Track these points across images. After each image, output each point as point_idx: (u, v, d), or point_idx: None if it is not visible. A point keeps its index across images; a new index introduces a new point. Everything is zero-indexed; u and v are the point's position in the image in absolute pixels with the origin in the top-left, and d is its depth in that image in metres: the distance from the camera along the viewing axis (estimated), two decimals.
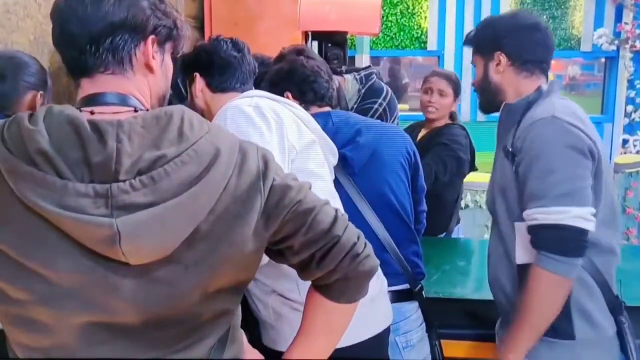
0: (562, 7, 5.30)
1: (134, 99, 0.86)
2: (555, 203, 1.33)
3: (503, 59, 1.54)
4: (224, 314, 0.93)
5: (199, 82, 1.59)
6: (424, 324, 1.75)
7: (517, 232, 1.46)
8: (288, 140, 1.35)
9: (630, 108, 5.42)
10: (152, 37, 0.87)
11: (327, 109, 1.73)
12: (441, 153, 2.48)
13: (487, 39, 1.57)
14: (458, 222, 2.83)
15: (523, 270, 1.43)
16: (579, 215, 1.32)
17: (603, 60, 5.60)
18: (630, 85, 5.33)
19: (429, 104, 2.63)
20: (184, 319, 0.87)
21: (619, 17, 5.34)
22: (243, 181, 0.85)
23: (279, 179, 0.89)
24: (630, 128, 5.22)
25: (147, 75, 0.88)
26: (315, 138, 1.46)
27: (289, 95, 1.68)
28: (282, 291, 1.39)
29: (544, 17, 5.26)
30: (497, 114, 1.61)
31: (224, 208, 0.83)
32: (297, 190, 0.91)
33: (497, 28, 1.57)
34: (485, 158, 3.02)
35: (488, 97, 1.61)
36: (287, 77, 1.71)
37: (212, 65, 1.58)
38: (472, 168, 2.66)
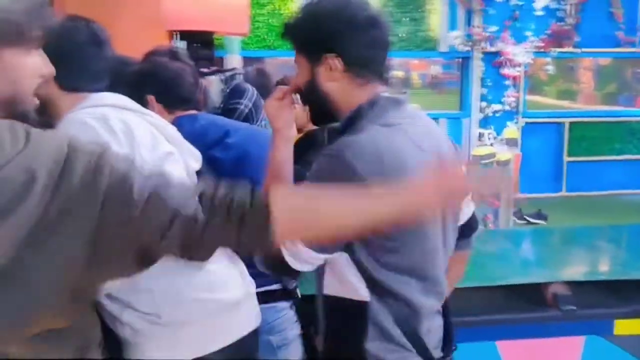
0: (420, 10, 5.63)
1: None
2: None
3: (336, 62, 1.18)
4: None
5: None
6: (298, 322, 1.75)
7: None
8: (140, 155, 1.23)
9: (483, 104, 5.90)
10: None
11: (193, 112, 1.68)
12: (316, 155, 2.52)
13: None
14: None
15: None
16: None
17: (460, 60, 6.02)
18: (483, 83, 5.80)
19: None
20: None
21: (469, 21, 5.79)
22: (63, 200, 0.71)
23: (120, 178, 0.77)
24: (484, 122, 5.69)
25: None
26: (172, 148, 1.36)
27: (152, 98, 1.61)
28: (137, 305, 1.30)
29: (406, 19, 5.55)
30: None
31: (37, 240, 0.69)
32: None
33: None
34: None
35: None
36: (148, 79, 1.63)
37: (59, 56, 1.16)
38: None
